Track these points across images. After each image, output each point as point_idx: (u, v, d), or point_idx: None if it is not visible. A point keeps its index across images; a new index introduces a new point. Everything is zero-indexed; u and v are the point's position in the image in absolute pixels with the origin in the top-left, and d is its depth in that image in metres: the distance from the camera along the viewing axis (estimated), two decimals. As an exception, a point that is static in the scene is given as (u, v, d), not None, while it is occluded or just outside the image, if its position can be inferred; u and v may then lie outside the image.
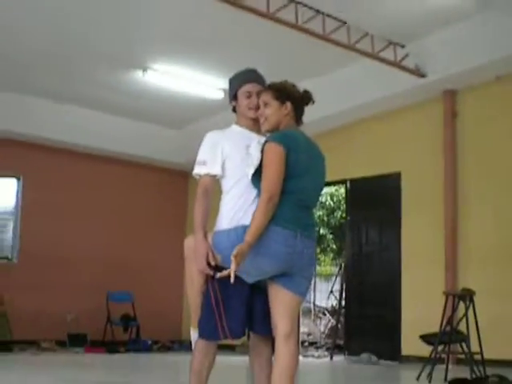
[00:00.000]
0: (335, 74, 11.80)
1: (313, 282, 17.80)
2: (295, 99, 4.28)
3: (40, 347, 12.49)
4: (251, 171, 4.14)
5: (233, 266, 3.86)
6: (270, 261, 4.00)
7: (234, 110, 4.58)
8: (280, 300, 4.10)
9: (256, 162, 4.11)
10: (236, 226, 4.15)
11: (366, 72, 11.37)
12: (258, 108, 4.36)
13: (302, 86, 4.41)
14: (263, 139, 4.20)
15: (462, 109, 11.28)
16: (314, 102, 4.36)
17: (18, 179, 13.70)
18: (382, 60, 10.49)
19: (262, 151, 4.09)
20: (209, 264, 4.19)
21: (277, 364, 4.07)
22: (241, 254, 3.86)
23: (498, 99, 10.91)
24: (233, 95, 4.53)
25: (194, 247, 4.26)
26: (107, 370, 10.11)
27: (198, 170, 4.42)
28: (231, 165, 4.34)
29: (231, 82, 4.59)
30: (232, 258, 3.85)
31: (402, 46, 10.71)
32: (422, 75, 10.84)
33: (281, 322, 4.09)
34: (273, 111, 4.25)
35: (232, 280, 3.88)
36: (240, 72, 4.59)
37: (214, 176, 4.38)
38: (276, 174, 3.99)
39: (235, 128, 4.53)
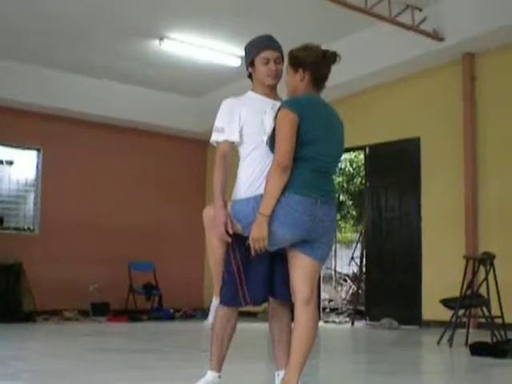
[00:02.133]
0: (352, 39, 11.67)
1: (334, 249, 17.85)
2: (310, 64, 4.17)
3: (63, 317, 12.58)
4: (265, 138, 4.14)
5: (256, 249, 3.97)
6: (291, 230, 4.00)
7: (250, 76, 4.55)
8: (299, 265, 4.11)
9: (268, 130, 4.11)
10: (256, 195, 4.15)
11: (384, 36, 11.28)
12: (276, 75, 4.35)
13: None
14: (278, 105, 4.18)
15: (481, 72, 11.17)
16: (340, 60, 4.21)
17: (39, 151, 13.76)
18: (400, 24, 10.40)
19: (276, 118, 4.08)
20: (228, 232, 4.21)
21: (296, 329, 4.09)
22: (259, 232, 3.94)
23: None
24: (249, 62, 4.50)
25: (213, 216, 4.28)
26: (129, 338, 10.18)
27: (216, 137, 4.41)
28: (249, 131, 4.33)
29: (247, 48, 4.53)
30: (251, 243, 3.94)
31: (420, 10, 10.60)
32: (440, 39, 10.73)
33: (300, 287, 4.10)
34: (288, 78, 4.24)
35: (251, 256, 3.99)
36: (256, 38, 4.52)
37: (232, 142, 4.38)
38: (286, 140, 3.96)
39: (252, 94, 4.50)
